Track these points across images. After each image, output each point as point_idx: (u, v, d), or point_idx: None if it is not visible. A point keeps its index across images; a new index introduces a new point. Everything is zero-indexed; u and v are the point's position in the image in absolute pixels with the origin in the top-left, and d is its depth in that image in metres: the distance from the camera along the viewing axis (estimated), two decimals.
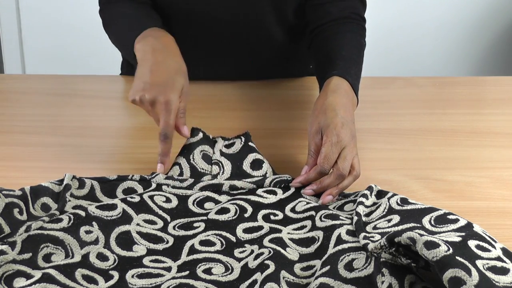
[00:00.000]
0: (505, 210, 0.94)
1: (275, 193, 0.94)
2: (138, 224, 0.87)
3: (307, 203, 0.91)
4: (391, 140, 1.12)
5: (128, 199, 0.90)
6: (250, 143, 1.01)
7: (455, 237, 0.72)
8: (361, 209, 0.86)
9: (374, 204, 0.88)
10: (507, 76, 1.70)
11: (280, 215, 0.90)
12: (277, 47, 1.29)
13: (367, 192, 0.89)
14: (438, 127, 1.17)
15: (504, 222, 0.91)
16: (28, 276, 0.75)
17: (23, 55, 2.68)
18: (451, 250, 0.67)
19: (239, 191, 0.94)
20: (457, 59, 2.73)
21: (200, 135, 1.00)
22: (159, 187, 0.94)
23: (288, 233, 0.86)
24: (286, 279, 0.76)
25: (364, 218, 0.85)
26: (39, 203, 0.88)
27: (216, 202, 0.93)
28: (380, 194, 0.90)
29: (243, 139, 1.01)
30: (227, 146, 1.01)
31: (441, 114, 1.22)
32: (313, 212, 0.89)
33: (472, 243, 0.71)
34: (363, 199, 0.88)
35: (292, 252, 0.82)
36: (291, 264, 0.80)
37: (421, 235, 0.70)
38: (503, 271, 0.67)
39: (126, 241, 0.85)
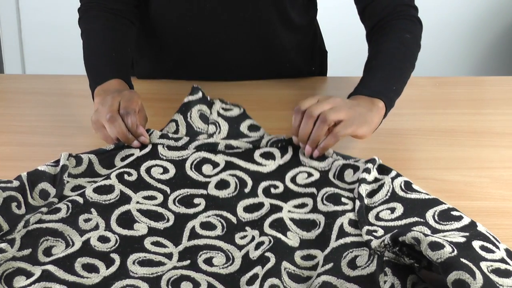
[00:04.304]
0: (505, 210, 0.94)
1: (273, 157, 0.94)
2: (137, 202, 0.87)
3: (308, 175, 0.91)
4: (391, 140, 1.12)
5: (126, 177, 0.90)
6: (247, 113, 1.01)
7: (459, 238, 0.72)
8: (363, 189, 0.85)
9: (376, 180, 0.88)
10: (507, 76, 1.70)
11: (281, 187, 0.90)
12: (279, 48, 1.29)
13: (370, 166, 0.89)
14: (438, 127, 1.17)
15: (504, 222, 0.91)
16: (28, 275, 0.75)
17: (23, 55, 2.68)
18: (455, 252, 0.67)
19: (235, 150, 0.94)
20: (457, 59, 2.73)
21: (200, 94, 1.00)
22: (155, 149, 0.94)
23: (289, 211, 0.86)
24: (287, 270, 0.76)
25: (366, 200, 0.84)
26: (37, 190, 0.87)
27: (213, 164, 0.93)
28: (383, 169, 0.90)
29: (241, 108, 1.01)
30: (225, 109, 1.00)
31: (441, 114, 1.21)
32: (314, 190, 0.88)
33: (476, 244, 0.70)
34: (365, 175, 0.88)
35: (293, 237, 0.82)
36: (291, 252, 0.79)
37: (426, 235, 0.70)
38: (507, 274, 0.67)
39: (126, 220, 0.84)
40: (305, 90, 1.29)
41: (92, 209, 0.85)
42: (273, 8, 1.21)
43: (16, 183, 0.87)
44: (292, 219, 0.85)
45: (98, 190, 0.87)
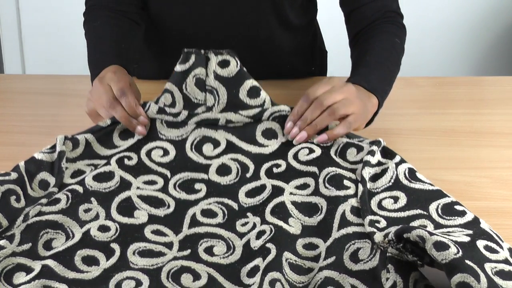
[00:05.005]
0: (505, 210, 0.94)
1: (275, 135, 0.93)
2: (138, 188, 0.86)
3: (310, 151, 0.91)
4: (391, 140, 1.12)
5: (126, 161, 0.89)
6: (244, 68, 0.96)
7: (464, 237, 0.71)
8: (366, 172, 0.85)
9: (380, 164, 0.88)
10: (507, 76, 1.70)
11: (283, 165, 0.90)
12: (278, 49, 1.29)
13: (375, 148, 0.89)
14: (438, 127, 1.17)
15: (504, 222, 0.91)
16: (27, 270, 0.75)
17: (23, 55, 2.68)
18: (460, 253, 0.67)
19: (236, 125, 0.94)
20: (457, 59, 2.73)
21: (192, 59, 0.94)
22: (153, 125, 0.93)
23: (291, 193, 0.86)
24: (289, 260, 0.76)
25: (369, 185, 0.84)
26: (36, 181, 0.87)
27: (214, 142, 0.92)
28: (387, 153, 0.89)
29: (238, 63, 0.96)
30: (222, 65, 0.95)
31: (441, 114, 1.21)
32: (316, 169, 0.88)
33: (480, 244, 0.70)
34: (370, 157, 0.87)
35: (295, 224, 0.81)
36: (293, 241, 0.79)
37: (431, 233, 0.69)
38: (511, 276, 0.67)
39: (126, 208, 0.84)
40: (305, 90, 1.28)
41: (92, 198, 0.84)
42: (272, 10, 1.22)
43: (14, 175, 0.86)
44: (293, 203, 0.84)
45: (98, 178, 0.87)
